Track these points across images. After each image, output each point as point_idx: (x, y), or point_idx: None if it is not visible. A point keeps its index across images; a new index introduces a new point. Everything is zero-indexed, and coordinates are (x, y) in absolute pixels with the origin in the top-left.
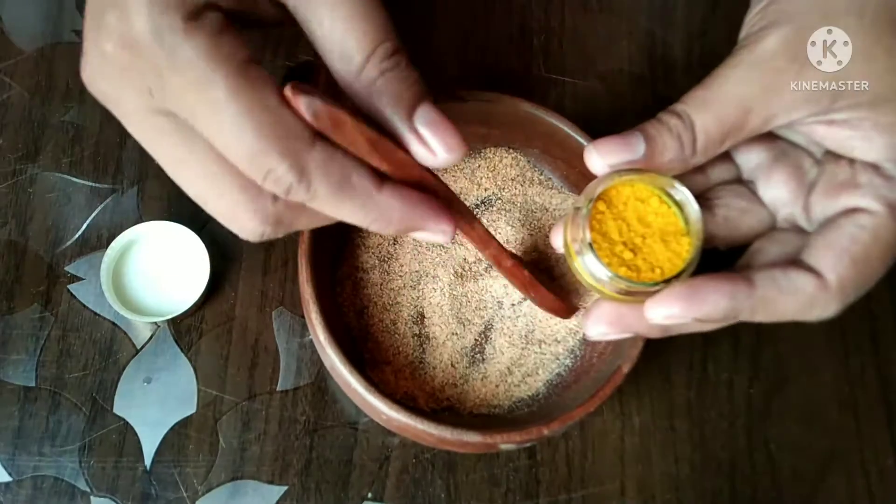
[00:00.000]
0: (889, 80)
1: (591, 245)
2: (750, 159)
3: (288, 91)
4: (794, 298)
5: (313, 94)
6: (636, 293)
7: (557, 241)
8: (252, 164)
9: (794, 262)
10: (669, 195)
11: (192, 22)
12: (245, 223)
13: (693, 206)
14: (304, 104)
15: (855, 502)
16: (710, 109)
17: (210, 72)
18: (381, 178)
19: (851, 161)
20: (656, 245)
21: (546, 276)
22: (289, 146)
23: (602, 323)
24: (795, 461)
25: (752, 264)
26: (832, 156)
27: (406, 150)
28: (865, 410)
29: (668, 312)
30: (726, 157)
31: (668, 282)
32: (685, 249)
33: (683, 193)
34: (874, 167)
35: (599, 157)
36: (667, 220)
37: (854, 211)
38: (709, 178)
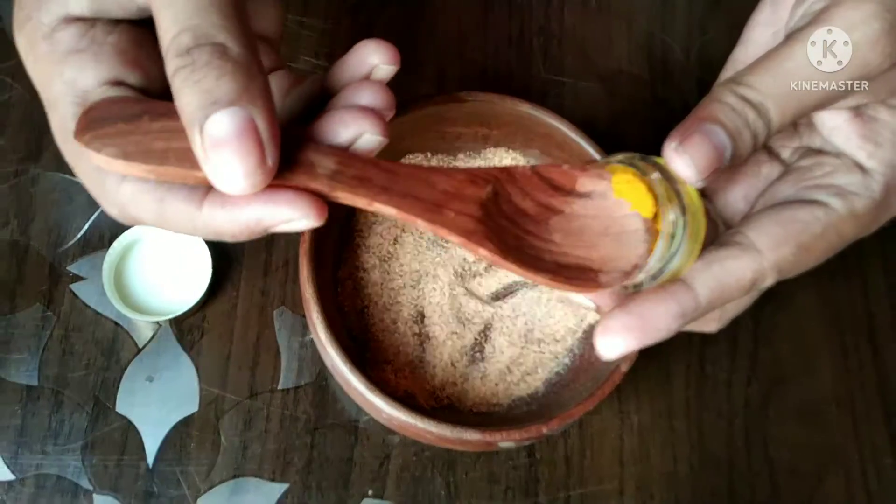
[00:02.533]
0: None
1: None
2: None
3: (75, 133)
4: (735, 287)
5: (102, 127)
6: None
7: None
8: (90, 192)
9: (728, 242)
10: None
11: (45, 42)
12: (101, 206)
13: (690, 201)
14: (85, 151)
15: (853, 501)
16: (791, 105)
17: (49, 104)
18: (206, 190)
19: (837, 159)
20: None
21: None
22: (99, 191)
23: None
24: (793, 460)
25: None
26: (813, 152)
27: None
28: (863, 410)
29: (623, 347)
30: None
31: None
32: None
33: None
34: (862, 170)
35: (692, 168)
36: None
37: (813, 202)
38: None
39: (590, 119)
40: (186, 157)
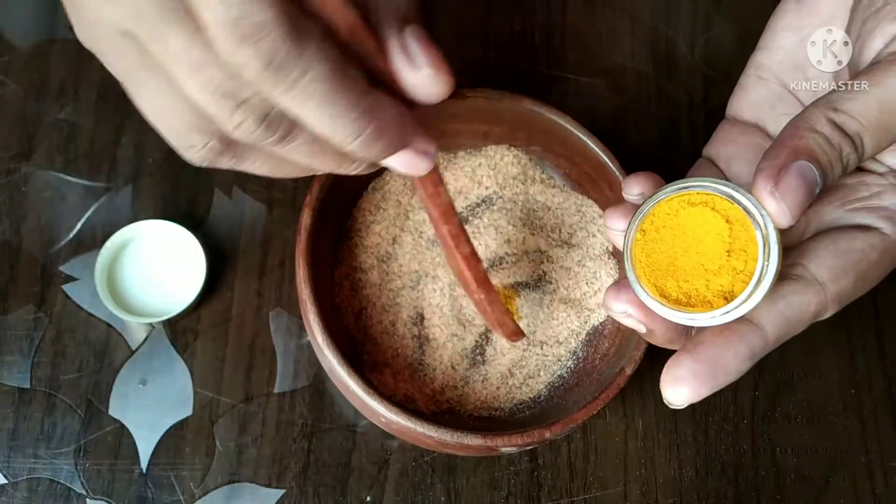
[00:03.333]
0: None
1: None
2: (745, 175)
3: None
4: (801, 321)
5: None
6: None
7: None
8: (239, 31)
9: (789, 275)
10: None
11: None
12: (192, 140)
13: (774, 241)
14: None
15: None
16: (888, 138)
17: None
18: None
19: (881, 178)
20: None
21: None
22: (285, 11)
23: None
24: (800, 464)
25: None
26: (856, 169)
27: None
28: (871, 412)
29: (693, 396)
30: (720, 176)
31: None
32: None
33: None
34: None
35: (785, 209)
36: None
37: (868, 228)
38: None
39: (593, 115)
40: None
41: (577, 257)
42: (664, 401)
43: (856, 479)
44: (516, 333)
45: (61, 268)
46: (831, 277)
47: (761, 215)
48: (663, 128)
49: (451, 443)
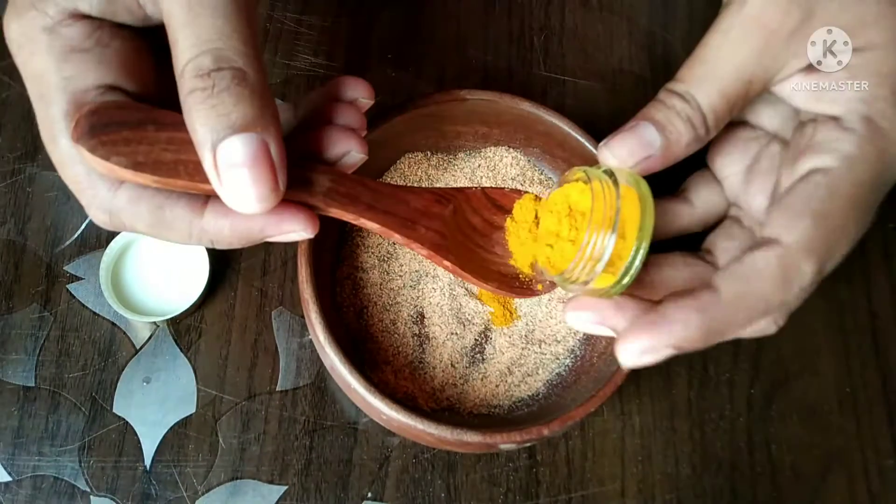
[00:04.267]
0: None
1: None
2: (726, 170)
3: (74, 137)
4: (763, 280)
5: (106, 133)
6: (594, 291)
7: None
8: (77, 195)
9: (750, 246)
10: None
11: (47, 34)
12: (88, 210)
13: (646, 217)
14: (87, 156)
15: (855, 502)
16: (713, 86)
17: (40, 98)
18: (207, 198)
19: (813, 123)
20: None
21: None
22: (89, 196)
23: (584, 310)
24: (796, 461)
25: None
26: (799, 125)
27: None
28: (866, 410)
29: (640, 346)
30: (710, 177)
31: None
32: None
33: (635, 189)
34: (834, 120)
35: (616, 160)
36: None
37: (809, 173)
38: (695, 206)
39: (591, 117)
40: (197, 171)
41: None
42: (620, 363)
43: (851, 476)
44: (522, 294)
45: (66, 267)
46: (784, 228)
47: (613, 184)
48: None
49: (450, 440)
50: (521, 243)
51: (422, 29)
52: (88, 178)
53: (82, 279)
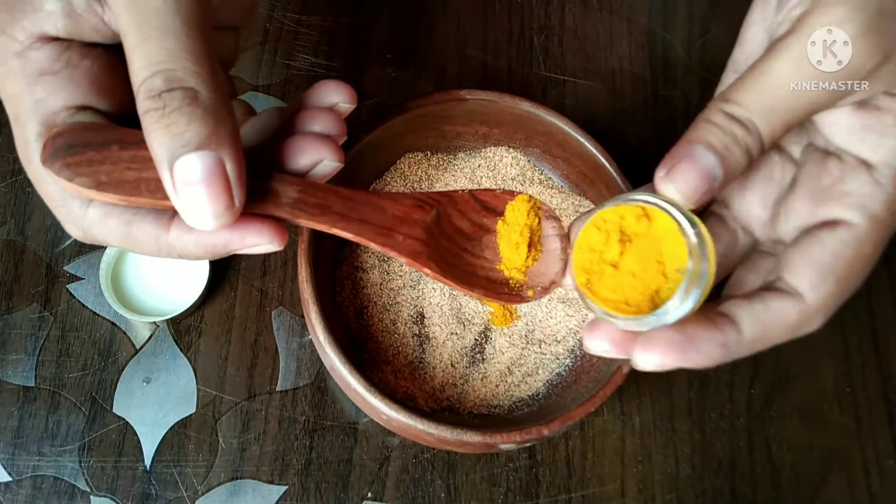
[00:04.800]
0: None
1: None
2: None
3: (42, 159)
4: (780, 329)
5: (71, 155)
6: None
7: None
8: (52, 211)
9: (772, 287)
10: (678, 223)
11: (17, 58)
12: (63, 225)
13: (704, 255)
14: (54, 178)
15: (855, 502)
16: (781, 119)
17: (15, 119)
18: (174, 213)
19: (840, 161)
20: (668, 282)
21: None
22: (63, 213)
23: (606, 342)
24: (796, 461)
25: (733, 295)
26: (818, 153)
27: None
28: (866, 410)
29: (660, 361)
30: None
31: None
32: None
33: (698, 231)
34: (868, 168)
35: (678, 192)
36: (674, 249)
37: (835, 223)
38: None
39: (591, 117)
40: (158, 188)
41: None
42: (632, 363)
43: (851, 476)
44: (508, 299)
45: (66, 267)
46: (810, 286)
47: (690, 226)
48: (660, 130)
49: (450, 440)
50: (512, 247)
51: (422, 29)
52: (61, 196)
53: (82, 279)
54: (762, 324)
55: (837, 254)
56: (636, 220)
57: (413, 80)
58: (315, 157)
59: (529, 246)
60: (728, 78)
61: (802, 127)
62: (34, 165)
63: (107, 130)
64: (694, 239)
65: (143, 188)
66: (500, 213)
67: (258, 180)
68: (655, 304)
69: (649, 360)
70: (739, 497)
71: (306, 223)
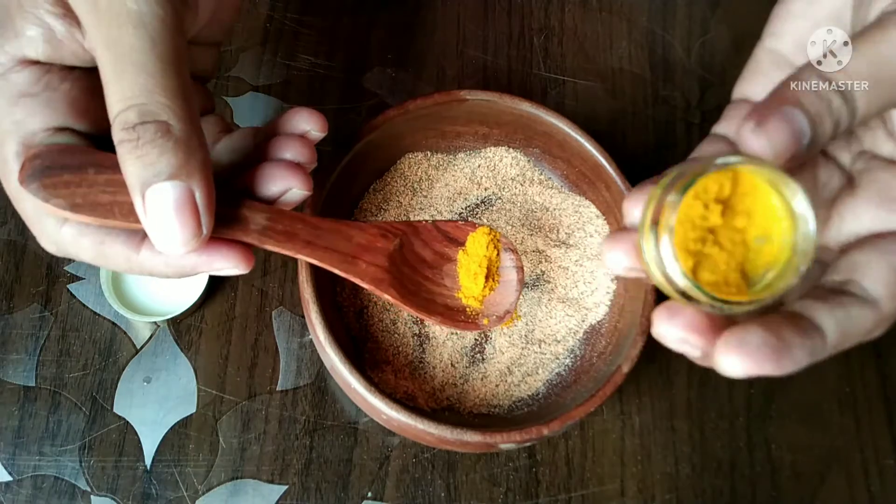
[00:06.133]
0: None
1: (671, 233)
2: None
3: (20, 179)
4: (856, 336)
5: (48, 177)
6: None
7: (633, 213)
8: (29, 227)
9: (847, 291)
10: (782, 195)
11: None
12: (39, 240)
13: (811, 225)
14: (38, 198)
15: (855, 502)
16: (881, 93)
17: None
18: (145, 235)
19: None
20: (750, 253)
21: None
22: (39, 230)
23: (682, 328)
24: (795, 461)
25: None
26: (882, 161)
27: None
28: (866, 410)
29: (751, 369)
30: None
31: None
32: (777, 263)
33: (804, 205)
34: None
35: (761, 143)
36: (772, 224)
37: None
38: None
39: (590, 118)
40: (131, 212)
41: (575, 257)
42: (718, 369)
43: (851, 475)
44: (463, 327)
45: (66, 267)
46: (888, 294)
47: (795, 191)
48: (660, 130)
49: (450, 439)
50: (471, 276)
51: (422, 29)
52: (36, 214)
53: (83, 279)
54: (843, 330)
55: None
56: (728, 186)
57: (413, 80)
58: (284, 185)
59: (487, 276)
60: (762, 66)
61: (853, 134)
62: (12, 184)
63: (83, 154)
64: (801, 205)
65: (116, 211)
66: (462, 244)
67: (227, 207)
68: (747, 279)
69: (737, 365)
70: (739, 497)
71: (273, 248)
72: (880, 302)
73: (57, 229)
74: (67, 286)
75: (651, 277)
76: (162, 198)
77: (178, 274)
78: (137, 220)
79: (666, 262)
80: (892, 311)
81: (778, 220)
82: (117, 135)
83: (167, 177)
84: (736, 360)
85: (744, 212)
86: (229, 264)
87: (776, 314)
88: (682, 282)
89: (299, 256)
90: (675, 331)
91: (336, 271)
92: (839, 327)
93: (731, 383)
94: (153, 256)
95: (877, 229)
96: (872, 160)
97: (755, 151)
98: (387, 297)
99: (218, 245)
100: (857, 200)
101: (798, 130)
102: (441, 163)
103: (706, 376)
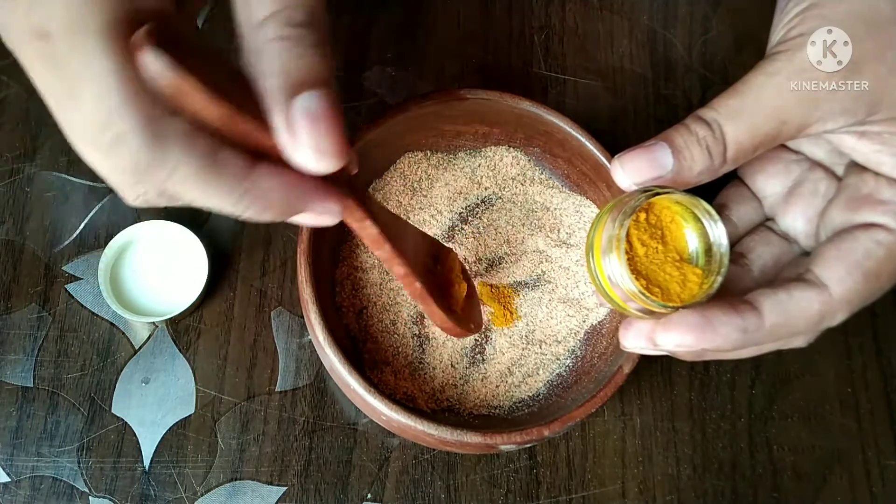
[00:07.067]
0: None
1: (625, 253)
2: (768, 189)
3: (136, 40)
4: (801, 318)
5: (172, 49)
6: (650, 312)
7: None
8: (98, 145)
9: (800, 278)
10: (698, 220)
11: None
12: (122, 189)
13: (723, 245)
14: (147, 60)
15: (857, 503)
16: (744, 120)
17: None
18: (254, 156)
19: (876, 175)
20: (669, 268)
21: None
22: (146, 115)
23: (641, 338)
24: (797, 462)
25: (752, 271)
26: (857, 168)
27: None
28: (867, 411)
29: (679, 341)
30: (747, 194)
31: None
32: (696, 279)
33: (717, 230)
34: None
35: (626, 176)
36: (683, 244)
37: (871, 226)
38: (737, 226)
39: (591, 116)
40: (261, 119)
41: (576, 257)
42: (661, 347)
43: (853, 476)
44: (459, 333)
45: (64, 267)
46: (836, 278)
47: (712, 226)
48: (661, 129)
49: (450, 441)
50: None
51: (422, 28)
52: (138, 97)
53: (81, 279)
54: (784, 311)
55: (869, 252)
56: (654, 214)
57: (413, 79)
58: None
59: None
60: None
61: (832, 146)
62: (95, 67)
63: (196, 50)
64: (712, 223)
65: (247, 111)
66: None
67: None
68: (686, 288)
69: (669, 339)
70: (740, 498)
71: (368, 225)
72: (829, 285)
73: (168, 119)
74: (65, 286)
75: (607, 299)
76: (315, 103)
77: (284, 205)
78: (266, 128)
79: (622, 283)
80: (844, 295)
81: (692, 238)
82: (275, 30)
83: (320, 83)
84: (665, 335)
85: (668, 234)
86: (335, 208)
87: (719, 300)
88: (643, 298)
89: (378, 243)
90: (641, 342)
91: (391, 251)
92: (780, 307)
93: (733, 384)
94: (271, 177)
95: (844, 227)
96: (852, 167)
97: (620, 184)
98: (427, 298)
99: (332, 188)
100: (832, 205)
101: (655, 158)
102: (441, 162)
103: (707, 377)
